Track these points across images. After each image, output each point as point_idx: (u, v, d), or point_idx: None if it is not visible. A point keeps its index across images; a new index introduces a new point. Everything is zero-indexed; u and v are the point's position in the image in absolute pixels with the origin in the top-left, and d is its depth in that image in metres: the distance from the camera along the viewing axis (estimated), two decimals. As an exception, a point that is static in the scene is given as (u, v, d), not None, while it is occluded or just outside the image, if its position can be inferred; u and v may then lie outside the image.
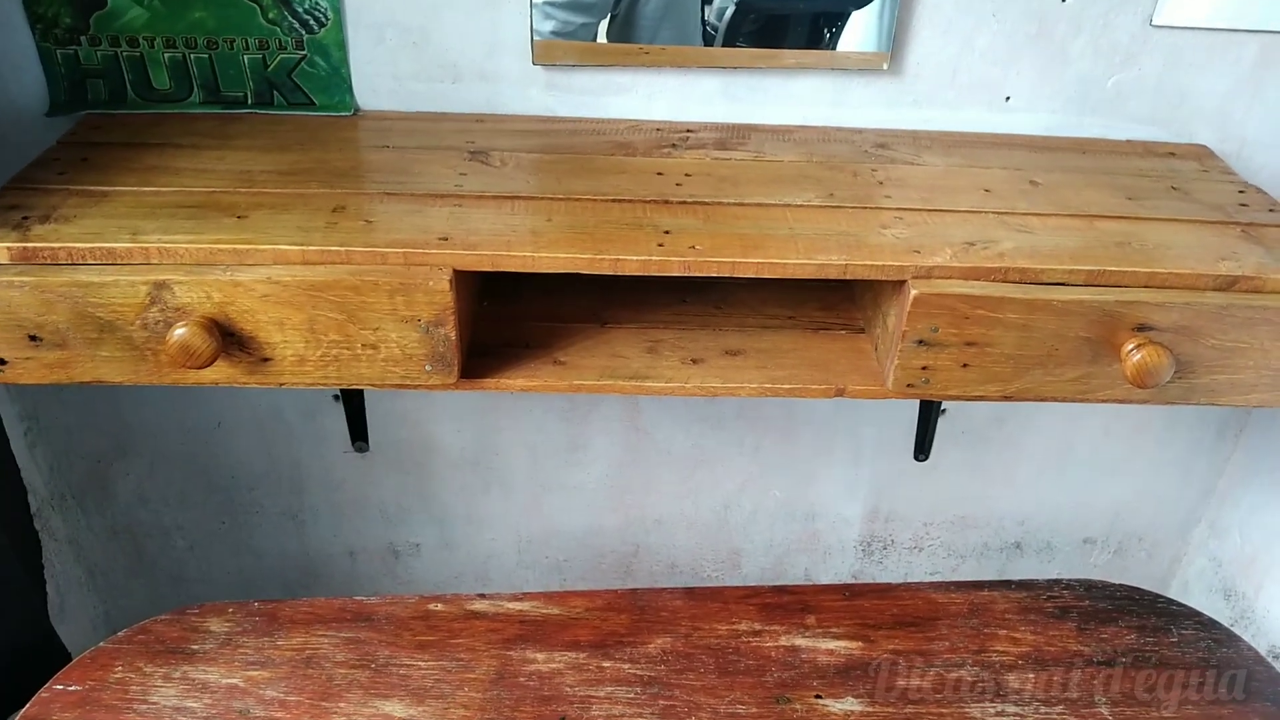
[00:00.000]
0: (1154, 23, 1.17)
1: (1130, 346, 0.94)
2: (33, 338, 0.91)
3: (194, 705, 1.01)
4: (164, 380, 0.95)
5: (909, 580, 1.55)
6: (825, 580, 1.74)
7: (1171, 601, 1.18)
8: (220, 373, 0.94)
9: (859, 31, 1.17)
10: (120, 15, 1.12)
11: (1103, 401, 1.00)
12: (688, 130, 1.21)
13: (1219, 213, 1.08)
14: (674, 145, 1.17)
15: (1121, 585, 1.20)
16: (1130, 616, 1.15)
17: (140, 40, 1.13)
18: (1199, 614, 1.16)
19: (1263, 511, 1.53)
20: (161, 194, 0.99)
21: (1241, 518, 1.58)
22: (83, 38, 1.13)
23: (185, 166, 1.05)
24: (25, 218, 0.93)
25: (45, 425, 1.44)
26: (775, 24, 1.18)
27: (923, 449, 1.47)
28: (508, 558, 1.68)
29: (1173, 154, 1.22)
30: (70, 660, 1.10)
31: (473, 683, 1.04)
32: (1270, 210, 1.09)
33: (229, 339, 0.92)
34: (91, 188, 1.00)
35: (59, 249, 0.89)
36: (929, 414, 1.43)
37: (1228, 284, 0.96)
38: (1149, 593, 1.19)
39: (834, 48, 1.18)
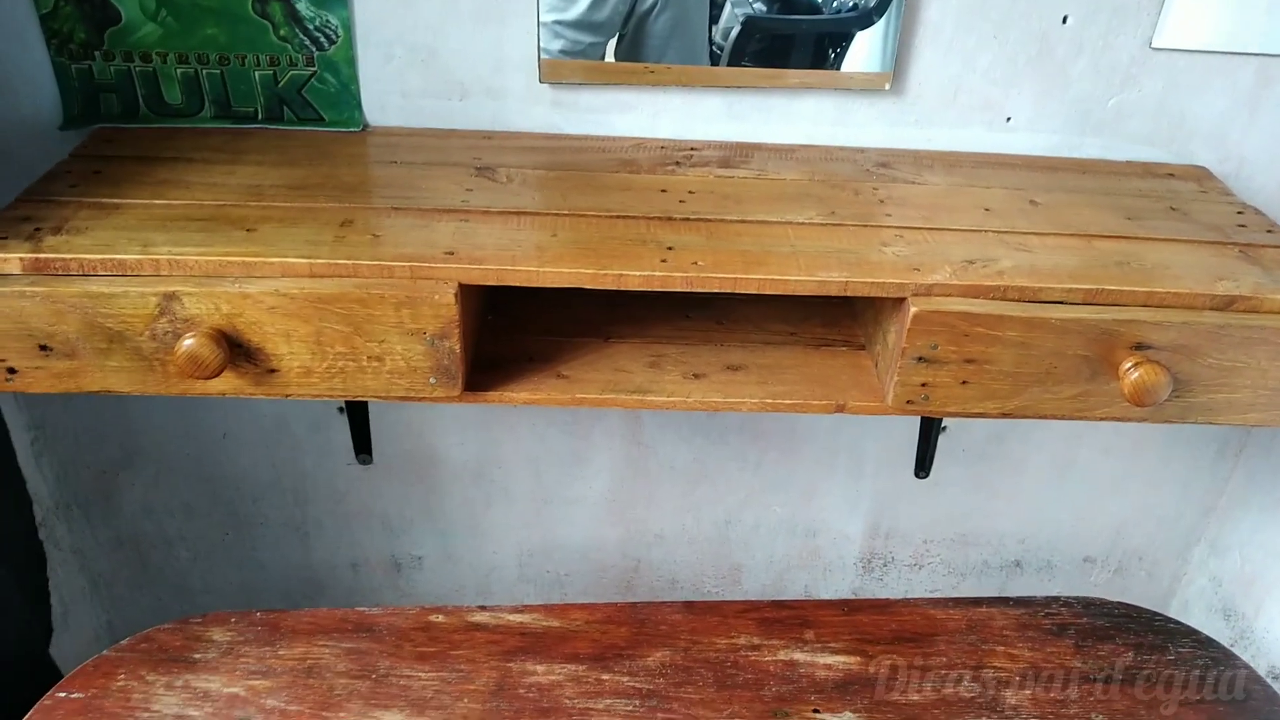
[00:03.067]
0: (1154, 45, 1.19)
1: (1128, 365, 0.95)
2: (43, 347, 0.92)
3: (195, 714, 1.02)
4: (172, 390, 0.96)
5: (909, 597, 1.55)
6: (825, 597, 1.74)
7: (1169, 620, 1.18)
8: (227, 383, 0.95)
9: (862, 52, 1.19)
10: (134, 31, 1.13)
11: (1101, 419, 1.01)
12: (692, 148, 1.22)
13: (1217, 233, 1.09)
14: (678, 163, 1.18)
15: (1119, 603, 1.20)
16: (1128, 634, 1.16)
17: (153, 56, 1.15)
18: (1196, 632, 1.17)
19: (1263, 531, 1.54)
20: (172, 207, 1.00)
21: (1242, 537, 1.58)
22: (97, 53, 1.14)
23: (196, 180, 1.06)
24: (38, 229, 0.94)
25: (52, 434, 1.45)
26: (780, 44, 1.19)
27: (923, 466, 1.48)
28: (509, 571, 1.69)
29: (1172, 175, 1.23)
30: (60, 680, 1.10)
31: (473, 694, 1.05)
32: (1268, 231, 1.10)
33: (236, 350, 0.93)
34: (103, 200, 1.01)
35: (70, 260, 0.91)
36: (930, 431, 1.44)
37: (1225, 304, 0.97)
38: (1147, 610, 1.19)
39: (838, 68, 1.20)
